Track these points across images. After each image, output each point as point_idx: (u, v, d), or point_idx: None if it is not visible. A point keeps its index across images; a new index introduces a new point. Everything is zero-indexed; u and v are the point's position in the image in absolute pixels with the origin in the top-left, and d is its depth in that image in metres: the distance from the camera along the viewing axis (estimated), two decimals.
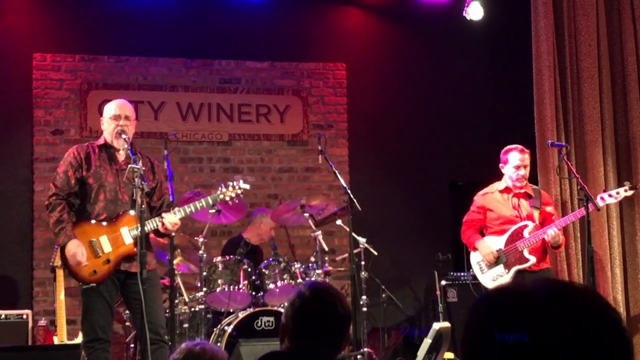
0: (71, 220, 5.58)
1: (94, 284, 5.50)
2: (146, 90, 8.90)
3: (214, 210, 7.05)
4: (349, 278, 6.46)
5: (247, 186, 6.06)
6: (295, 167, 9.21)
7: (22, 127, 8.51)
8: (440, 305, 7.68)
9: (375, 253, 7.57)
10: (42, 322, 7.45)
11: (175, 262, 7.13)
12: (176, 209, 5.68)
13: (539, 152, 7.57)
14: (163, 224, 5.55)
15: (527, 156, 6.68)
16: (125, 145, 5.61)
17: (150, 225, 5.52)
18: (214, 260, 7.05)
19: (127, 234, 5.56)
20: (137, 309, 5.41)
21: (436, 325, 5.38)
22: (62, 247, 5.50)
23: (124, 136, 5.61)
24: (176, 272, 7.03)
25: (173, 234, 5.79)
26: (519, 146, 6.75)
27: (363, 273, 7.35)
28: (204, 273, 6.89)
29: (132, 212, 5.53)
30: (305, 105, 9.29)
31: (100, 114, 8.57)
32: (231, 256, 7.03)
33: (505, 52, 9.37)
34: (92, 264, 5.50)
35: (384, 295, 8.22)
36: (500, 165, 6.76)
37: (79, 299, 5.73)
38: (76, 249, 5.44)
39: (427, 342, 5.26)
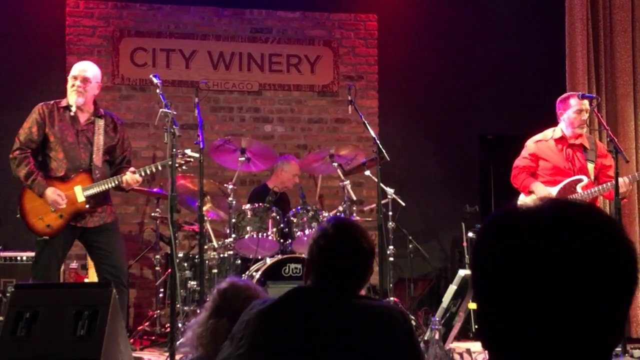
0: (40, 171, 5.83)
1: (47, 237, 5.78)
2: (178, 39, 8.94)
3: (243, 158, 7.12)
4: (376, 228, 6.47)
5: (197, 155, 6.05)
6: (325, 118, 9.23)
7: (54, 73, 8.56)
8: (467, 256, 7.71)
9: (403, 204, 7.58)
10: (74, 264, 7.58)
11: (204, 208, 7.19)
12: (140, 169, 5.93)
13: None
14: (124, 182, 5.85)
15: (587, 101, 6.48)
16: (78, 104, 5.94)
17: (107, 184, 5.83)
18: (243, 208, 7.10)
19: (80, 192, 5.82)
20: (100, 257, 5.88)
21: (462, 272, 5.39)
22: (40, 195, 5.75)
23: (78, 98, 5.94)
24: (205, 218, 7.10)
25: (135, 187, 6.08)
26: (578, 92, 6.62)
27: (390, 224, 7.39)
28: (233, 220, 6.94)
29: (87, 172, 5.86)
30: (336, 56, 9.29)
31: (133, 61, 8.76)
32: (260, 204, 7.08)
33: (538, 4, 9.27)
34: (46, 218, 5.78)
35: (410, 246, 8.26)
36: (559, 112, 6.54)
37: None
38: (55, 196, 5.74)
39: (452, 288, 5.29)
